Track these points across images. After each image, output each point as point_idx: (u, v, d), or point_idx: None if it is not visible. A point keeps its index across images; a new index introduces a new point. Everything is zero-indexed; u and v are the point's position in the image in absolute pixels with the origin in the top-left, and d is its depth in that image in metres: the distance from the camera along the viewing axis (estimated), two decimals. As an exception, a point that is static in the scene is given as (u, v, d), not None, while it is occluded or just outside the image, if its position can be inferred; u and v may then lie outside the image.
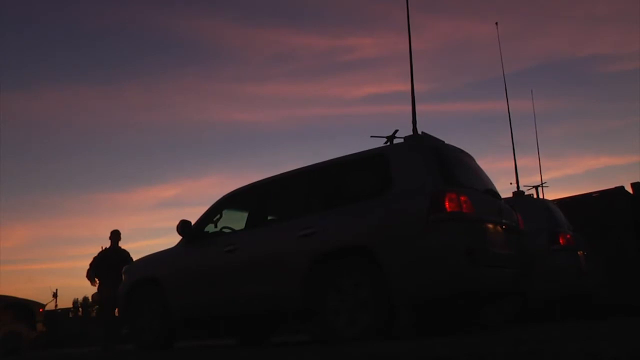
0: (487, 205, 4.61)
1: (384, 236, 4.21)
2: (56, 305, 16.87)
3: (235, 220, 5.57)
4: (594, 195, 10.33)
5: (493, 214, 4.58)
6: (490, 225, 4.45)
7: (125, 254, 8.91)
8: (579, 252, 7.21)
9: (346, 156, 4.98)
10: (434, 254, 4.02)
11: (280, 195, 5.45)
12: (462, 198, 4.12)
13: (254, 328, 6.09)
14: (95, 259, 8.95)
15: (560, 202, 9.56)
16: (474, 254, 3.99)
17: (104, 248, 9.05)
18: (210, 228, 5.61)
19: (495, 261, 4.33)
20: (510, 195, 8.33)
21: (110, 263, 8.57)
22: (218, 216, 5.62)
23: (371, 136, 5.13)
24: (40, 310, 9.50)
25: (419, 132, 5.03)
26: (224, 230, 5.59)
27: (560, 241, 7.03)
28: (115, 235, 9.12)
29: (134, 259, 7.95)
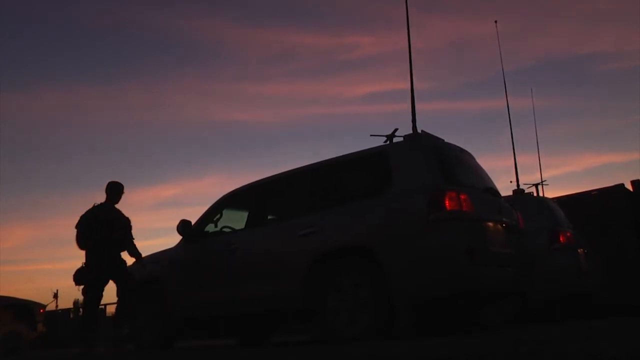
0: (487, 204, 4.60)
1: (384, 236, 4.20)
2: (57, 306, 16.87)
3: (235, 219, 5.57)
4: (593, 193, 10.28)
5: (493, 212, 4.58)
6: (491, 224, 4.45)
7: (125, 221, 6.09)
8: (579, 250, 7.20)
9: (346, 155, 4.97)
10: (434, 254, 4.01)
11: (280, 194, 5.44)
12: (462, 197, 4.11)
13: (254, 328, 6.09)
14: (83, 217, 5.88)
15: (560, 200, 9.54)
16: (474, 254, 3.98)
17: (96, 204, 6.02)
18: (210, 228, 5.62)
19: (495, 261, 4.32)
20: (510, 193, 8.31)
21: (102, 227, 5.79)
22: (218, 216, 5.62)
23: (371, 135, 5.12)
24: (41, 310, 9.50)
25: (419, 130, 5.02)
26: (224, 230, 5.59)
27: (561, 239, 7.01)
28: (113, 190, 6.05)
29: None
